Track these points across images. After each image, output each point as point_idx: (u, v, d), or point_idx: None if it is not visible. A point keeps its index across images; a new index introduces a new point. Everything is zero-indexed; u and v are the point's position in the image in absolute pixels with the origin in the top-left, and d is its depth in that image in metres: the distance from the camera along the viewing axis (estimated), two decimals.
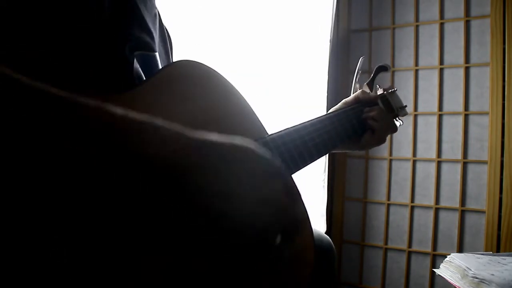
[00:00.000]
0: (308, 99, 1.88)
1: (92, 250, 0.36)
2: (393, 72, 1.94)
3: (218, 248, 0.37)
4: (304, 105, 1.84)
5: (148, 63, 0.56)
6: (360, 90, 0.87)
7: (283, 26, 1.81)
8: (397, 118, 0.90)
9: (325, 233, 1.92)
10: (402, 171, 1.90)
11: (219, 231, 0.35)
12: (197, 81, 0.53)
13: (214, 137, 0.37)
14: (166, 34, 0.74)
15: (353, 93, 0.87)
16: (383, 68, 0.90)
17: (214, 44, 1.55)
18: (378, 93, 0.87)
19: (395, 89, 0.90)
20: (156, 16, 0.65)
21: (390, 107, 0.87)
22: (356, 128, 0.80)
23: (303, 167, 0.65)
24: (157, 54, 0.58)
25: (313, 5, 1.90)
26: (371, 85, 0.89)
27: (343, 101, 0.86)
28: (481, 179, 1.72)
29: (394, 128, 0.87)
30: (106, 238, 0.37)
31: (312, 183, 1.91)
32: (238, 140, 0.39)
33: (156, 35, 0.67)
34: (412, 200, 1.86)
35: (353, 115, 0.80)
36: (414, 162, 1.87)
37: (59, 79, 0.44)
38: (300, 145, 0.63)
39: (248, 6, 1.70)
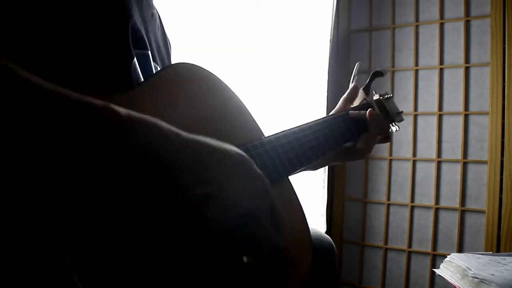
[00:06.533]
0: (308, 99, 1.88)
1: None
2: (393, 72, 1.94)
3: (204, 250, 0.37)
4: (304, 105, 1.84)
5: (142, 61, 0.56)
6: (350, 107, 0.86)
7: (283, 26, 1.81)
8: (393, 124, 0.90)
9: (325, 233, 1.92)
10: (402, 171, 1.90)
11: (206, 233, 0.36)
12: (195, 84, 0.53)
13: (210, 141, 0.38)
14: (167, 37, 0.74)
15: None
16: (378, 74, 0.90)
17: (213, 45, 1.55)
18: (374, 98, 0.88)
19: (392, 95, 0.90)
20: (154, 17, 0.65)
21: (386, 112, 0.87)
22: (352, 131, 0.79)
23: (300, 168, 0.65)
24: (149, 52, 0.58)
25: (313, 5, 1.90)
26: (367, 90, 0.89)
27: (334, 110, 0.86)
28: (481, 179, 1.72)
29: (388, 132, 0.86)
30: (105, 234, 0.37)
31: (312, 183, 1.91)
32: (233, 150, 0.39)
33: (157, 36, 0.66)
34: (412, 200, 1.87)
35: (343, 121, 0.79)
36: (414, 162, 1.87)
37: (63, 78, 0.44)
38: (290, 151, 0.63)
39: (248, 7, 1.70)
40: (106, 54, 0.49)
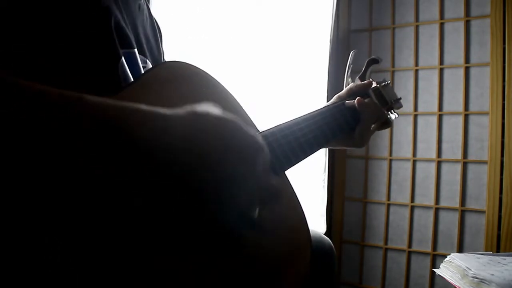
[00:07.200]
0: (308, 99, 1.88)
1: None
2: (393, 72, 1.94)
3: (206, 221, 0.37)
4: (304, 105, 1.84)
5: (130, 60, 0.55)
6: (353, 83, 0.87)
7: (283, 26, 1.81)
8: (392, 111, 0.89)
9: (325, 233, 1.92)
10: (402, 171, 1.90)
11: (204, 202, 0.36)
12: (186, 82, 0.52)
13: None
14: (156, 27, 0.73)
15: (345, 88, 0.88)
16: (374, 61, 0.90)
17: (212, 44, 1.55)
18: (372, 86, 0.86)
19: (389, 82, 0.90)
20: (141, 8, 0.64)
21: (384, 100, 0.86)
22: (348, 121, 0.79)
23: (297, 163, 0.65)
24: (136, 50, 0.58)
25: (313, 5, 1.90)
26: (363, 78, 0.89)
27: (336, 95, 0.86)
28: (481, 179, 1.72)
29: (384, 118, 0.85)
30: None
31: (312, 183, 1.91)
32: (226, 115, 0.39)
33: (146, 28, 0.66)
34: (412, 200, 1.86)
35: (346, 109, 0.79)
36: (414, 162, 1.87)
37: (53, 80, 0.43)
38: (293, 141, 0.63)
39: (248, 7, 1.70)
40: (90, 56, 0.48)
